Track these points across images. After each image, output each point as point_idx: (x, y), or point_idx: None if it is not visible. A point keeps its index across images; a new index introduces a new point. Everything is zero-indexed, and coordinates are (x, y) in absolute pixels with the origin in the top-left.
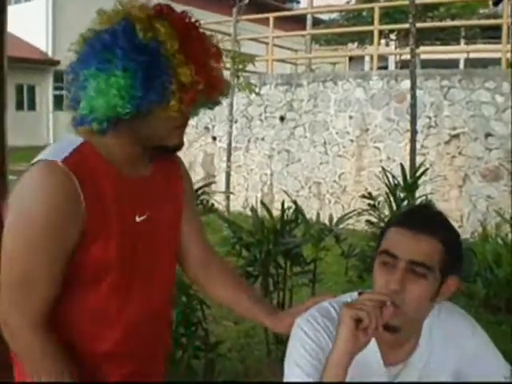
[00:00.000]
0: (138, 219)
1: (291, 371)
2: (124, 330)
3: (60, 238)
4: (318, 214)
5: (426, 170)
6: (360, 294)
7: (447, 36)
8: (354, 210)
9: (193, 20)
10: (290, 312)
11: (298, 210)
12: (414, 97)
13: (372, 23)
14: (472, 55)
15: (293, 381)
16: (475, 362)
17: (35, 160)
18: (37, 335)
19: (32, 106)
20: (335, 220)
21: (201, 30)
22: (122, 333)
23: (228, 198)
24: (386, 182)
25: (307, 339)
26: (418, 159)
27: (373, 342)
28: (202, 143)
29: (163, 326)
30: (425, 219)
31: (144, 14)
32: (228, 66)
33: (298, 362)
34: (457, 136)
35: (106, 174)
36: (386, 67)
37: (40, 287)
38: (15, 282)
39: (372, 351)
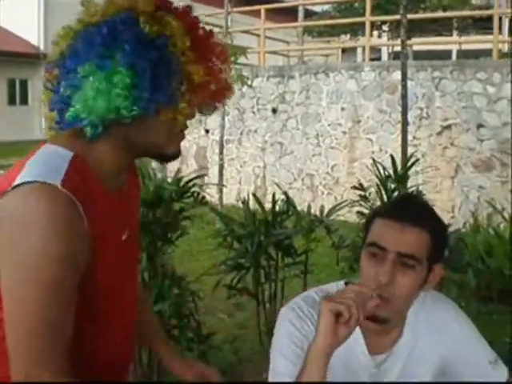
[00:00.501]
0: (123, 237)
1: (277, 361)
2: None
3: (72, 271)
4: (309, 206)
5: (417, 160)
6: (346, 283)
7: (440, 27)
8: (344, 201)
9: (196, 16)
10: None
11: (289, 202)
12: (404, 88)
13: (364, 15)
14: (465, 46)
15: (279, 370)
16: (460, 349)
17: (22, 180)
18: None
19: (24, 101)
20: (326, 211)
21: (210, 29)
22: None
23: (221, 190)
24: (377, 173)
25: (292, 328)
26: (410, 150)
27: (357, 332)
28: (194, 136)
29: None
30: (412, 210)
31: (149, 7)
32: None
33: (284, 351)
34: (449, 127)
35: (99, 193)
36: (379, 58)
37: (64, 330)
38: (38, 329)
39: (357, 340)
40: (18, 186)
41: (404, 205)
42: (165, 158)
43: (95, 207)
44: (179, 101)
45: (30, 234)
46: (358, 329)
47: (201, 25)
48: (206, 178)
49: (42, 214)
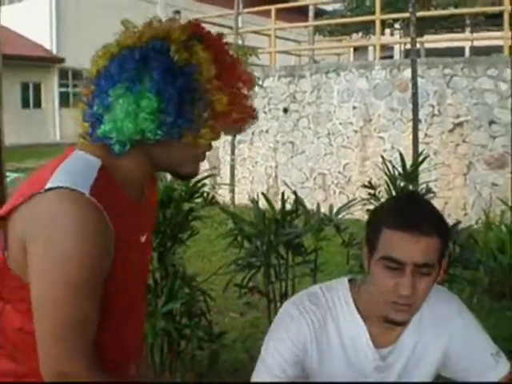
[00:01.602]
0: (142, 240)
1: (269, 352)
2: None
3: (99, 272)
4: (318, 204)
5: (426, 158)
6: (350, 280)
7: (452, 24)
8: (353, 200)
9: (226, 43)
10: None
11: (298, 201)
12: (415, 86)
13: (375, 13)
14: (477, 43)
15: (268, 361)
16: (463, 342)
17: (53, 185)
18: (98, 375)
19: (38, 104)
20: (335, 210)
21: (234, 54)
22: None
23: (233, 191)
24: (386, 171)
25: (291, 324)
26: (422, 148)
27: (363, 326)
28: None
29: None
30: (419, 217)
31: (182, 35)
32: None
33: (279, 348)
34: (460, 124)
35: (123, 202)
36: (391, 57)
37: (92, 327)
38: (67, 327)
39: (362, 334)
40: (50, 189)
41: (408, 211)
42: (182, 177)
43: (119, 215)
44: (201, 126)
45: (59, 237)
46: (363, 323)
47: (230, 52)
48: (218, 178)
49: (74, 220)
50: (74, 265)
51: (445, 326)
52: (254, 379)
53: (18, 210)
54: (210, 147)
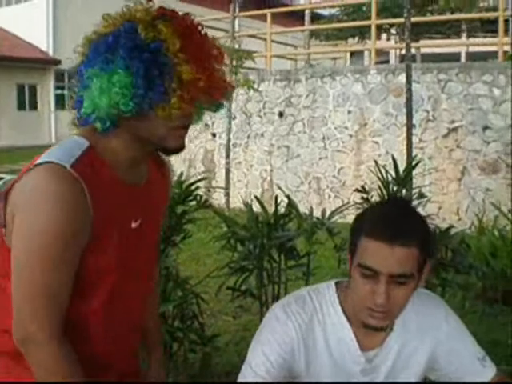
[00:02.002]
0: (133, 225)
1: (255, 354)
2: (110, 339)
3: (74, 246)
4: (311, 208)
5: (418, 162)
6: (337, 283)
7: (448, 30)
8: (345, 204)
9: (195, 22)
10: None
11: (292, 205)
12: (409, 91)
13: (370, 18)
14: (473, 49)
15: (253, 363)
16: (449, 345)
17: (41, 161)
18: (59, 348)
19: (34, 106)
20: (328, 214)
21: (203, 32)
22: (108, 340)
23: (227, 194)
24: (379, 175)
25: (278, 327)
26: (417, 153)
27: (349, 329)
28: (201, 140)
29: (138, 325)
30: (397, 227)
31: (147, 16)
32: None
33: (265, 350)
34: (455, 129)
35: (110, 180)
36: (387, 61)
37: (60, 298)
38: (36, 295)
39: (348, 338)
40: (38, 164)
41: (389, 223)
42: (168, 151)
43: (103, 193)
44: (171, 97)
45: (38, 211)
46: (349, 326)
47: (199, 30)
48: (213, 181)
49: (52, 192)
50: (48, 235)
51: (431, 330)
52: (239, 380)
53: (13, 187)
54: (187, 119)
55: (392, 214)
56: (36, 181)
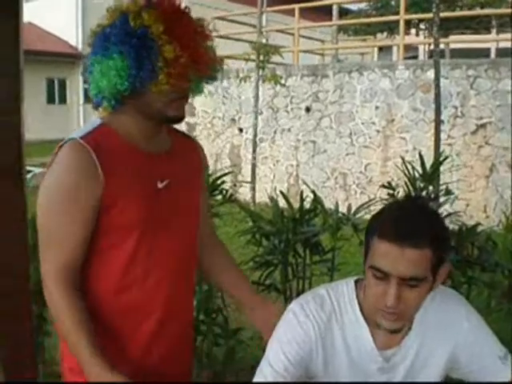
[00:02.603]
0: (159, 185)
1: (274, 351)
2: (148, 289)
3: (79, 201)
4: (337, 204)
5: (445, 159)
6: (357, 281)
7: (478, 25)
8: (371, 200)
9: (181, 6)
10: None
11: (317, 200)
12: (438, 87)
13: (399, 13)
14: (503, 44)
15: (273, 361)
16: (470, 344)
17: (67, 137)
18: (64, 295)
19: (63, 100)
20: (353, 209)
21: (189, 14)
22: (146, 291)
23: (254, 189)
24: (406, 171)
25: (297, 326)
26: (445, 149)
27: (366, 330)
28: (228, 135)
29: (187, 287)
30: (409, 229)
31: (136, 7)
32: (253, 57)
33: (283, 348)
34: (483, 126)
35: (121, 148)
36: (416, 57)
37: (65, 248)
38: (43, 240)
39: (365, 337)
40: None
41: (401, 224)
42: (170, 120)
43: (115, 158)
44: (159, 74)
45: (50, 173)
46: (366, 325)
47: (184, 13)
48: (239, 176)
49: (62, 158)
50: (52, 190)
51: (451, 329)
52: (257, 377)
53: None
54: (180, 93)
55: (403, 214)
56: (54, 155)
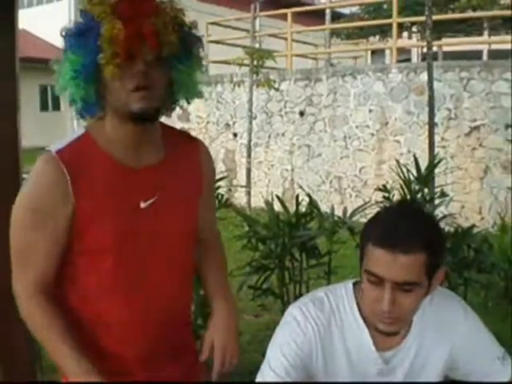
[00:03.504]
0: (143, 205)
1: (274, 354)
2: (128, 309)
3: (47, 219)
4: (333, 207)
5: (440, 161)
6: (354, 284)
7: (470, 27)
8: (366, 203)
9: None
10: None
11: (313, 204)
12: (431, 89)
13: (392, 16)
14: (495, 46)
15: (273, 364)
16: (468, 345)
17: (47, 148)
18: (36, 307)
19: (57, 107)
20: (349, 213)
21: None
22: (127, 311)
23: (249, 193)
24: (401, 174)
25: (297, 329)
26: (439, 151)
27: (365, 332)
28: (223, 140)
29: (174, 313)
30: (401, 234)
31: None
32: (247, 62)
33: (284, 351)
34: (477, 128)
35: (100, 163)
36: (409, 60)
37: (34, 264)
38: (14, 255)
39: (364, 339)
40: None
41: (393, 230)
42: (134, 116)
43: (90, 174)
44: (103, 53)
45: (24, 185)
46: (365, 327)
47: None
48: (234, 181)
49: (34, 173)
50: (21, 207)
51: (450, 330)
52: (258, 378)
53: None
54: (138, 78)
55: (395, 220)
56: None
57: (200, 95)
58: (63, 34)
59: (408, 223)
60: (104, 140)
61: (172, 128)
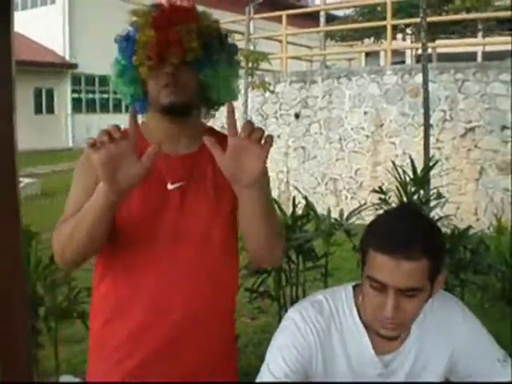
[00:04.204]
0: (170, 187)
1: (273, 357)
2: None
3: (85, 184)
4: (329, 209)
5: (436, 163)
6: (355, 287)
7: (464, 29)
8: (363, 205)
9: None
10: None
11: (309, 206)
12: (426, 91)
13: (386, 18)
14: (489, 48)
15: (271, 367)
16: (469, 348)
17: None
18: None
19: (51, 110)
20: (346, 215)
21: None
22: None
23: None
24: (397, 176)
25: (296, 332)
26: (434, 153)
27: (365, 335)
28: None
29: (196, 294)
30: (403, 240)
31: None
32: (242, 64)
33: (284, 356)
34: (472, 129)
35: (142, 149)
36: (403, 62)
37: (68, 207)
38: (65, 212)
39: (363, 342)
40: None
41: (395, 236)
42: (164, 109)
43: None
44: (137, 56)
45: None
46: (365, 331)
47: (173, 5)
48: None
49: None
50: (76, 170)
51: (450, 333)
52: (257, 381)
53: None
54: (167, 77)
55: (397, 225)
56: None
57: (233, 98)
58: (116, 39)
59: (411, 229)
60: (148, 131)
61: (219, 132)
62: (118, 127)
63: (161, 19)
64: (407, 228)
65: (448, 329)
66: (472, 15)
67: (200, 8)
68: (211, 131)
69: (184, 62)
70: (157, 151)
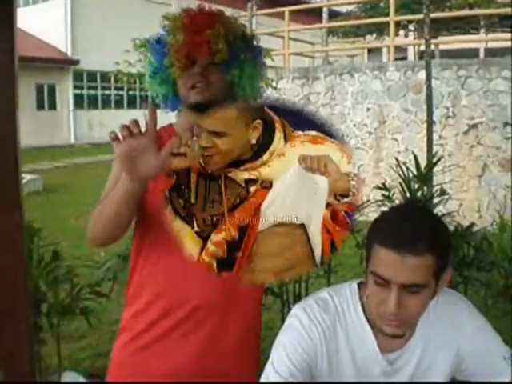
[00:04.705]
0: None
1: (278, 355)
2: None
3: (118, 172)
4: None
5: (439, 159)
6: (360, 284)
7: (466, 25)
8: (366, 201)
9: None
10: None
11: None
12: (429, 87)
13: (389, 14)
14: (492, 44)
15: (276, 365)
16: (474, 346)
17: None
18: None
19: (53, 106)
20: None
21: (205, 8)
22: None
23: None
24: (400, 173)
25: (301, 330)
26: (437, 150)
27: (370, 333)
28: None
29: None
30: (408, 236)
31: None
32: None
33: (290, 354)
34: (475, 126)
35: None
36: (405, 58)
37: (104, 190)
38: (104, 193)
39: (369, 341)
40: None
41: (401, 231)
42: (193, 107)
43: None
44: (168, 58)
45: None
46: (369, 329)
47: (202, 11)
48: None
49: None
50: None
51: (455, 331)
52: (262, 380)
53: None
54: (194, 77)
55: (403, 221)
56: None
57: (257, 96)
58: (149, 42)
59: (416, 224)
60: (180, 127)
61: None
62: (136, 122)
63: (190, 23)
64: (414, 224)
65: (453, 327)
66: (474, 12)
67: (205, 5)
68: None
69: (212, 63)
70: (175, 145)
